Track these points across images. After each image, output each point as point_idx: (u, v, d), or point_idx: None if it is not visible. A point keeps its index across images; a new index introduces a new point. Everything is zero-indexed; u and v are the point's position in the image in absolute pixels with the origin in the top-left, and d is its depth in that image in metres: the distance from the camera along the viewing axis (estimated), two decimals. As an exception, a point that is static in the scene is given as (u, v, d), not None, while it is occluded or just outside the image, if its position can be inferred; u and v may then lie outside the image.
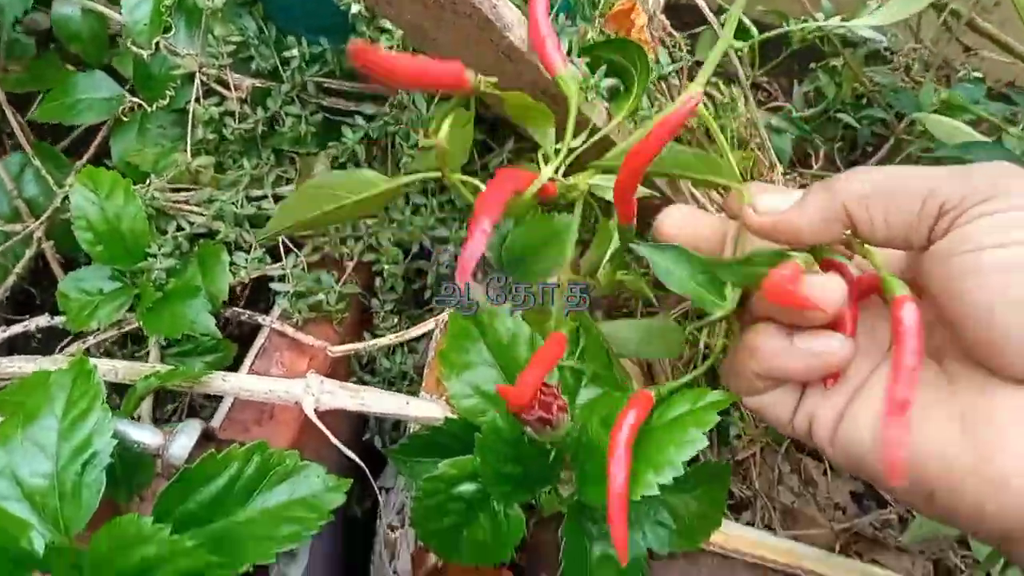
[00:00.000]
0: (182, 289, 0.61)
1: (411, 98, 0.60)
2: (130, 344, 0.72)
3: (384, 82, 0.33)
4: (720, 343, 0.43)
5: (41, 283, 0.83)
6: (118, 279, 0.64)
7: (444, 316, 0.62)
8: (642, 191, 0.44)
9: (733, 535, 0.59)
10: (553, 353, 0.42)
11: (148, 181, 0.65)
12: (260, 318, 0.64)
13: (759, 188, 0.38)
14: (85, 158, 0.74)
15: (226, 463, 0.45)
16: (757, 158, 0.87)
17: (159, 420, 0.69)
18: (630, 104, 0.49)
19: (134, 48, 0.65)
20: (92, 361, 0.48)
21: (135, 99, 0.68)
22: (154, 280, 0.62)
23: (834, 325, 0.38)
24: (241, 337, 0.69)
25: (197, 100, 0.63)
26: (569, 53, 0.56)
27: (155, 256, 0.62)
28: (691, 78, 0.82)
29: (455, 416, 0.53)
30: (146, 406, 0.64)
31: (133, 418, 0.59)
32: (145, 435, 0.48)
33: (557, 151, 0.42)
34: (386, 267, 0.64)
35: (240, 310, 0.65)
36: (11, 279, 0.74)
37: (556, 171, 0.41)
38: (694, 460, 0.43)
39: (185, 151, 0.63)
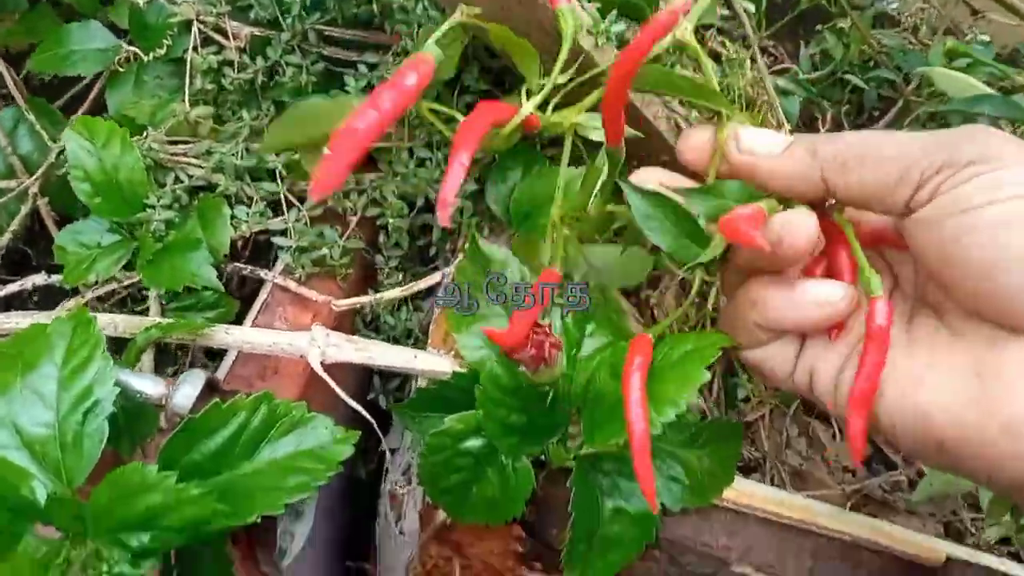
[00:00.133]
0: (183, 241, 0.59)
1: (415, 46, 0.58)
2: (129, 304, 0.71)
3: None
4: (698, 280, 0.42)
5: (37, 244, 0.81)
6: (116, 232, 0.62)
7: (451, 269, 0.61)
8: (629, 132, 0.43)
9: (746, 491, 0.58)
10: (544, 289, 0.41)
11: (145, 133, 0.63)
12: (262, 273, 0.63)
13: (746, 127, 0.38)
14: (80, 112, 0.72)
15: (232, 413, 0.44)
16: (765, 118, 0.86)
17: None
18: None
19: (129, -4, 0.63)
20: (91, 314, 0.46)
21: (131, 48, 0.67)
22: (153, 232, 0.61)
23: (835, 275, 0.38)
24: (242, 298, 0.68)
25: (195, 49, 0.61)
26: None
27: (154, 208, 0.61)
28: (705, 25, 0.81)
29: (463, 370, 0.52)
30: (147, 364, 0.63)
31: (134, 374, 0.58)
32: (147, 385, 0.47)
33: (541, 87, 0.41)
34: (391, 221, 0.62)
35: (241, 265, 0.64)
36: (6, 237, 0.73)
37: (543, 107, 0.41)
38: (703, 419, 0.42)
39: (183, 102, 0.62)
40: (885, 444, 0.86)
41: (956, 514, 0.82)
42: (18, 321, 0.58)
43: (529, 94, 0.40)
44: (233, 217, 0.61)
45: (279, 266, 0.64)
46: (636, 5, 0.48)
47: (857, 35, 1.05)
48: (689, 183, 0.40)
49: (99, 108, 0.72)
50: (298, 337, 0.52)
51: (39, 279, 0.68)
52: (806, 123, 1.08)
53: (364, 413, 0.52)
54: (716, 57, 0.85)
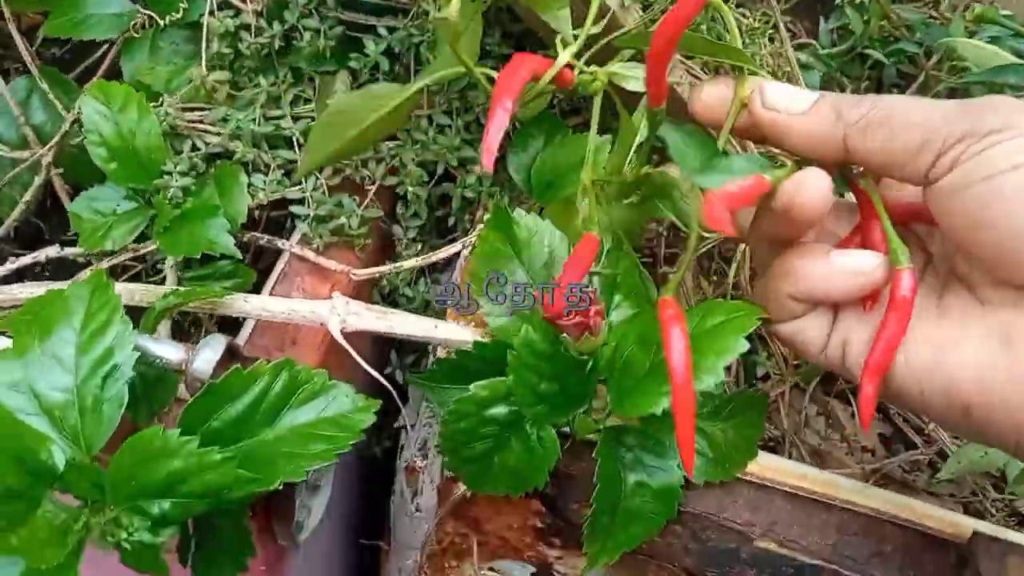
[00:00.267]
0: (200, 208, 0.58)
1: (436, 6, 0.57)
2: (143, 277, 0.70)
3: None
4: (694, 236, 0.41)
5: (49, 218, 0.80)
6: (133, 199, 0.61)
7: (472, 238, 0.60)
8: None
9: (770, 465, 0.57)
10: (587, 255, 0.40)
11: (161, 100, 0.62)
12: (280, 242, 0.62)
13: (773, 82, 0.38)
14: (95, 80, 0.71)
15: (253, 379, 0.44)
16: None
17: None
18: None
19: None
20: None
21: (147, 12, 0.65)
22: (171, 199, 0.60)
23: (868, 246, 0.38)
24: (257, 271, 0.67)
25: (211, 13, 0.60)
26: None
27: (171, 174, 0.60)
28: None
29: (485, 340, 0.51)
30: (163, 334, 0.62)
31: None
32: (167, 350, 0.46)
33: (575, 37, 0.40)
34: (410, 189, 0.61)
35: (259, 235, 0.63)
36: (19, 209, 0.72)
37: (575, 58, 0.40)
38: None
39: (200, 67, 0.61)
40: (905, 423, 0.85)
41: (976, 495, 0.82)
42: (32, 291, 0.58)
43: (564, 43, 0.39)
44: (250, 185, 0.61)
45: (296, 235, 0.63)
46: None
47: (877, 8, 1.04)
48: None
49: (113, 77, 0.70)
50: (318, 305, 0.51)
51: (52, 251, 0.68)
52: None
53: (384, 382, 0.51)
54: (737, 27, 0.83)
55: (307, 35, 0.61)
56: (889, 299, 0.36)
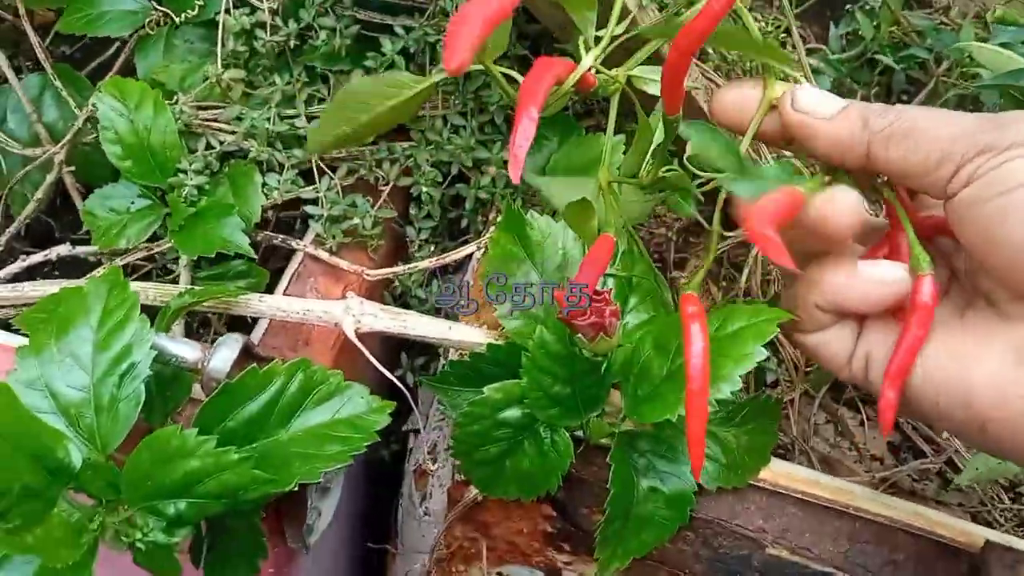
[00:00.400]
0: (215, 206, 0.58)
1: (453, 4, 0.57)
2: (155, 277, 0.70)
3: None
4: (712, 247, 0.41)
5: (61, 217, 0.80)
6: (147, 197, 0.61)
7: (485, 239, 0.60)
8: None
9: (783, 472, 0.57)
10: (603, 255, 0.40)
11: (175, 98, 0.62)
12: (293, 242, 0.62)
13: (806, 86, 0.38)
14: (109, 76, 0.70)
15: (269, 378, 0.43)
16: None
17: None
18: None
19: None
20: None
21: (162, 9, 0.65)
22: (185, 197, 0.59)
23: (896, 258, 0.38)
24: (271, 271, 0.67)
25: (227, 11, 0.60)
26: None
27: (185, 172, 0.60)
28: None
29: (499, 342, 0.51)
30: (178, 333, 0.62)
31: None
32: (184, 349, 0.46)
33: (598, 40, 0.40)
34: (424, 189, 0.61)
35: (272, 234, 0.63)
36: (30, 207, 0.71)
37: (596, 60, 0.40)
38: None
39: (215, 65, 0.61)
40: (914, 431, 0.85)
41: (984, 504, 0.81)
42: (44, 289, 0.57)
43: (586, 46, 0.39)
44: (264, 184, 0.60)
45: (310, 235, 0.63)
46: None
47: (888, 14, 1.04)
48: None
49: (127, 75, 0.70)
50: (333, 305, 0.51)
51: (63, 250, 0.67)
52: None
53: (398, 383, 0.51)
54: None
55: (323, 34, 0.61)
56: (910, 304, 0.36)
